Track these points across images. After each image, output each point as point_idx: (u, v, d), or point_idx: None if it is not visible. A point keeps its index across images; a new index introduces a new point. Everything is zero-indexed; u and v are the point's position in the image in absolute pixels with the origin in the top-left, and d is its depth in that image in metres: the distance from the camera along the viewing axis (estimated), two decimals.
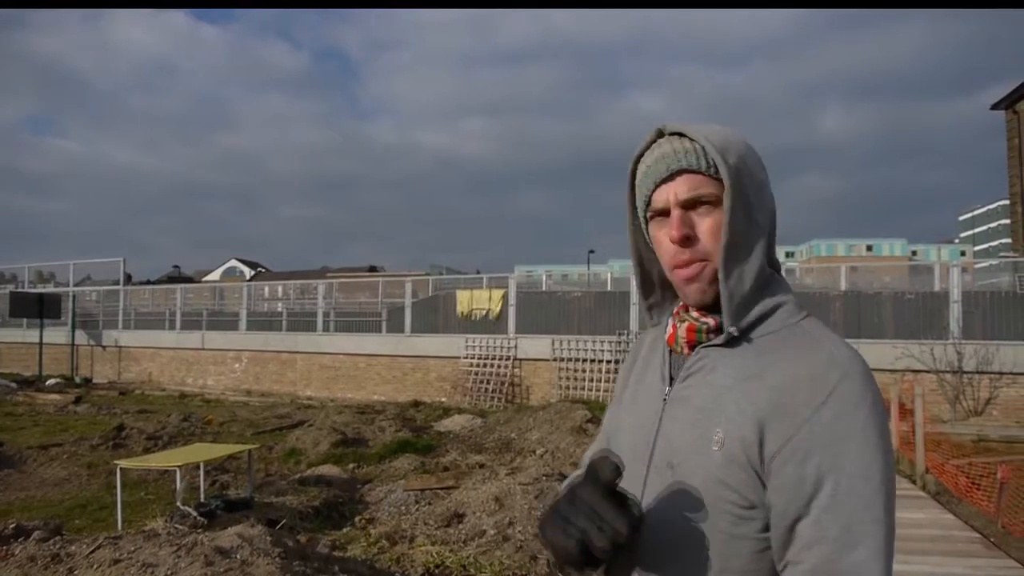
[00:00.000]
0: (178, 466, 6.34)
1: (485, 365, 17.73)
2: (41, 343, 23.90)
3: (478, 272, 24.99)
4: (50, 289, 28.44)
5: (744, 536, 0.90)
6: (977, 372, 13.85)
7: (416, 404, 16.35)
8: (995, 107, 25.31)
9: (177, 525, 5.35)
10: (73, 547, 3.56)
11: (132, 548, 3.42)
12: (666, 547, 0.95)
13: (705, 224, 0.98)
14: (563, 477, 5.92)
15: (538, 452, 8.32)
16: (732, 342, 0.98)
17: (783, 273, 1.05)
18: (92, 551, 3.42)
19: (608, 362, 16.48)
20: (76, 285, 27.68)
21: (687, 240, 0.98)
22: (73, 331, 24.88)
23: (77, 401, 16.73)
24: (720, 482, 0.90)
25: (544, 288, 21.88)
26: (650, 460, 1.00)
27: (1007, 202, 27.00)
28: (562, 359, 17.02)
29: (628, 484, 0.89)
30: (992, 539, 6.29)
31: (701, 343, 1.01)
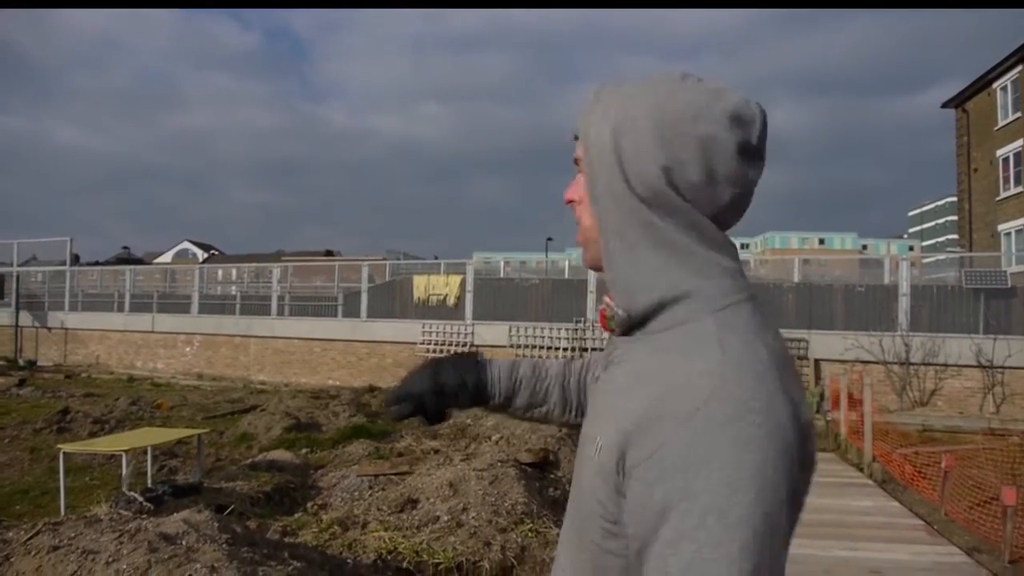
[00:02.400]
0: (124, 451, 6.19)
1: (442, 351, 17.66)
2: None
3: (436, 258, 24.87)
4: None
5: (612, 552, 0.81)
6: (923, 364, 14.24)
7: (371, 389, 16.21)
8: (945, 105, 25.93)
9: (122, 511, 5.21)
10: (11, 533, 3.44)
11: (73, 534, 3.31)
12: (564, 541, 0.92)
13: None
14: (517, 463, 5.92)
15: (494, 438, 8.30)
16: (634, 335, 0.87)
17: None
18: (30, 537, 3.31)
19: (565, 349, 16.54)
20: (21, 265, 26.83)
21: (571, 203, 0.95)
22: (17, 312, 24.14)
23: (20, 384, 16.24)
24: (592, 491, 0.82)
25: (502, 275, 21.87)
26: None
27: (955, 199, 27.73)
28: (519, 346, 17.03)
29: None
30: (935, 526, 6.46)
31: (612, 331, 0.92)
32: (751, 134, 0.84)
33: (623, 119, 0.86)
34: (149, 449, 7.03)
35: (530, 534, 4.83)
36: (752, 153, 0.85)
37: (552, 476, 6.16)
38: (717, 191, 0.84)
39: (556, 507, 5.43)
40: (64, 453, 6.29)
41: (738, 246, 0.94)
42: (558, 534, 4.11)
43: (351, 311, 19.61)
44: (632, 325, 0.87)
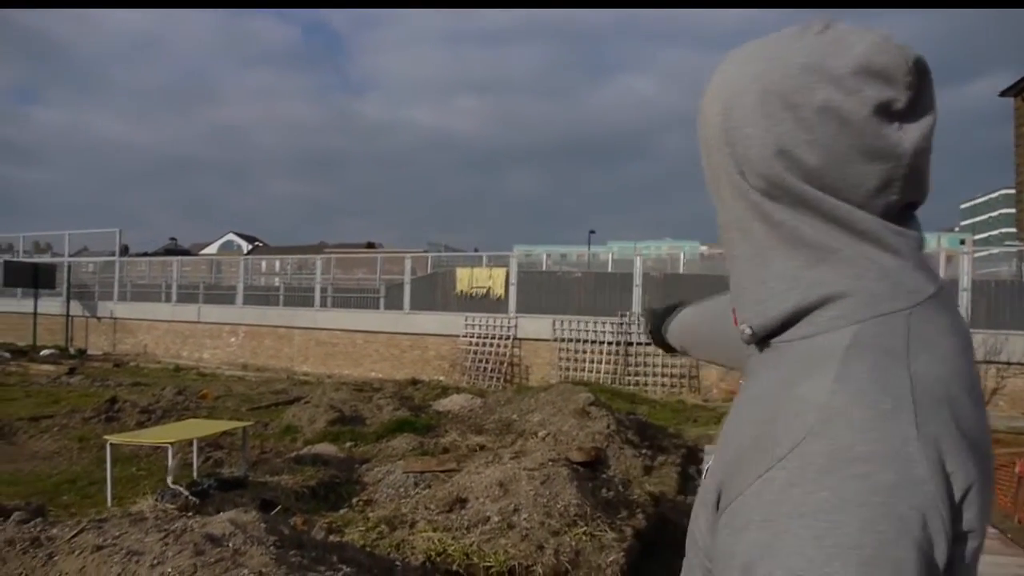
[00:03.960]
0: (170, 443, 6.13)
1: (484, 344, 17.53)
2: (36, 313, 23.67)
3: (476, 250, 24.76)
4: (46, 259, 28.13)
5: None
6: (985, 362, 13.67)
7: (414, 382, 16.15)
8: (1004, 94, 24.95)
9: (168, 505, 5.15)
10: (55, 530, 3.35)
11: (117, 533, 3.21)
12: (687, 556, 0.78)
13: None
14: (569, 462, 5.72)
15: (540, 434, 8.11)
16: (770, 343, 0.71)
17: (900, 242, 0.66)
18: (75, 535, 3.21)
19: (610, 343, 16.28)
20: (73, 256, 27.38)
21: None
22: (68, 302, 24.63)
23: (71, 372, 16.52)
24: (695, 518, 0.72)
25: (544, 268, 21.64)
26: None
27: (1009, 191, 26.73)
28: (563, 339, 16.81)
29: None
30: (1009, 535, 6.11)
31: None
32: (894, 89, 0.63)
33: (732, 93, 0.69)
34: (195, 441, 6.99)
35: (584, 538, 4.62)
36: (901, 115, 0.64)
37: (604, 476, 5.95)
38: (856, 172, 0.65)
39: (610, 509, 5.22)
40: (111, 444, 6.27)
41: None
42: (613, 538, 3.86)
43: (393, 303, 19.58)
44: (768, 336, 0.70)
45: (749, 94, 0.67)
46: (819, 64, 0.64)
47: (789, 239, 0.67)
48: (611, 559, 4.47)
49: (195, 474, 6.62)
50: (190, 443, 7.01)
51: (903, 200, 0.66)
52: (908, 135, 0.64)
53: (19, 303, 25.34)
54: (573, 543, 4.55)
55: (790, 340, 0.67)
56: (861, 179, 0.64)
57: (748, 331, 0.71)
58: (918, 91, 0.64)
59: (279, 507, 5.37)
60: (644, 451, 8.06)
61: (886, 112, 0.63)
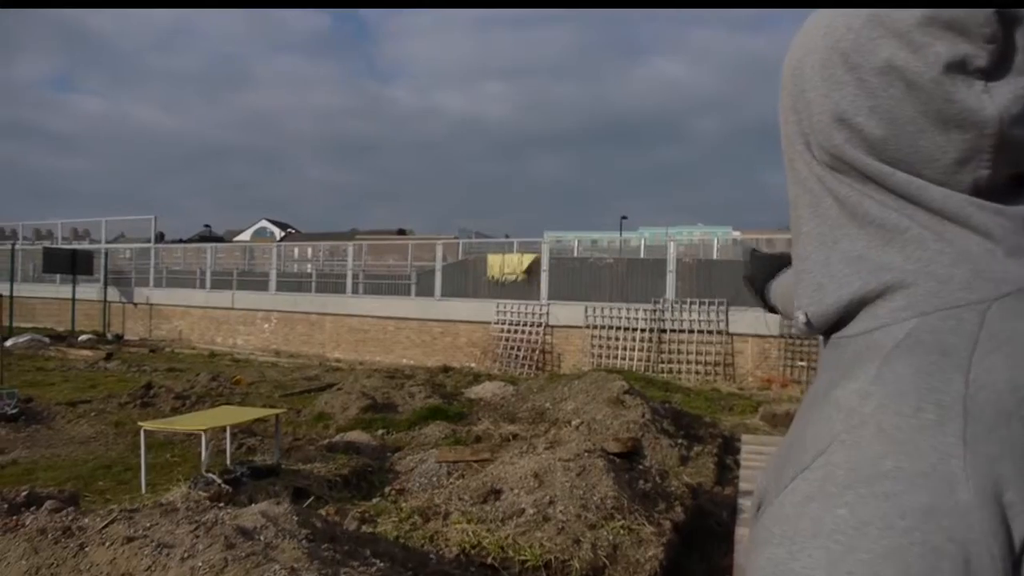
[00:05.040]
0: (203, 430, 6.12)
1: (516, 331, 17.44)
2: (74, 299, 24.07)
3: (507, 236, 24.65)
4: (84, 246, 28.56)
5: None
6: None
7: (446, 369, 16.12)
8: None
9: (201, 493, 5.12)
10: (86, 520, 3.31)
11: (148, 524, 3.15)
12: None
13: None
14: (605, 453, 5.59)
15: (574, 423, 7.99)
16: (831, 338, 0.61)
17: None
18: (106, 525, 3.17)
19: (643, 331, 16.09)
20: (110, 242, 27.78)
21: None
22: (105, 288, 25.00)
23: (108, 357, 16.75)
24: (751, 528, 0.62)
25: (575, 254, 21.46)
26: None
27: None
28: (595, 326, 16.65)
29: None
30: None
31: None
32: (970, 43, 0.50)
33: (804, 51, 0.60)
34: (228, 428, 6.99)
35: (622, 531, 4.50)
36: (983, 73, 0.51)
37: (640, 467, 5.82)
38: (929, 143, 0.53)
39: (647, 502, 5.10)
40: (145, 431, 6.28)
41: None
42: (652, 532, 3.71)
43: (424, 290, 19.55)
44: (829, 328, 0.60)
45: (817, 52, 0.58)
46: (884, 15, 0.53)
47: (855, 217, 0.57)
48: (650, 554, 4.35)
49: (228, 461, 6.61)
50: (223, 430, 7.01)
51: (999, 175, 0.53)
52: (994, 99, 0.51)
53: (57, 289, 25.78)
54: (611, 537, 4.43)
55: (850, 336, 0.57)
56: (936, 151, 0.53)
57: (803, 319, 0.61)
58: (1005, 45, 0.51)
59: (312, 497, 5.32)
60: (680, 441, 7.91)
61: (961, 71, 0.51)
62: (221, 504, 3.87)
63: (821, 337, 0.66)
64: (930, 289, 0.53)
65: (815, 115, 0.58)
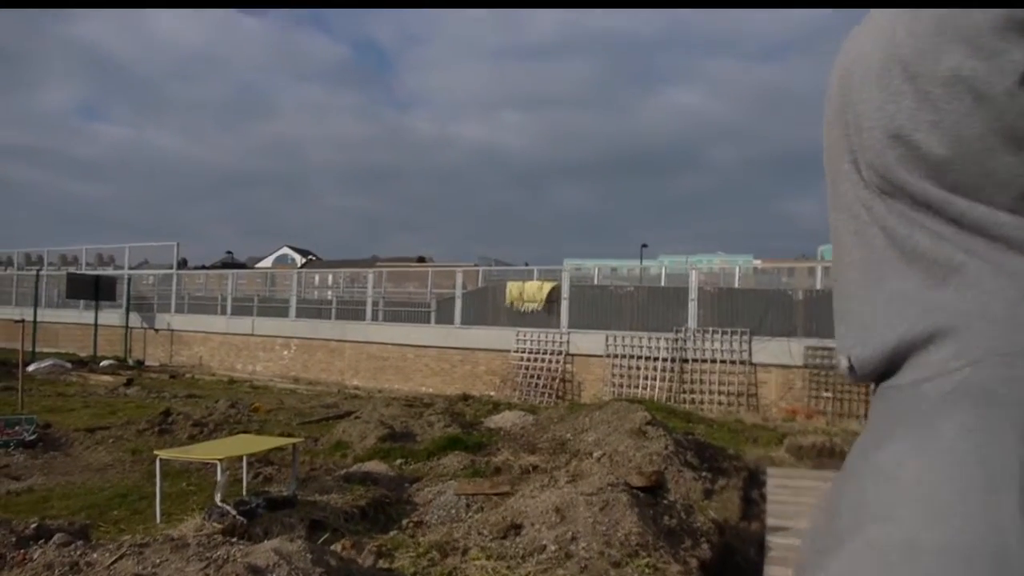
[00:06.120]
0: (219, 459, 6.03)
1: (536, 359, 17.29)
2: (96, 324, 24.27)
3: (527, 264, 24.58)
4: (108, 272, 28.85)
5: None
6: None
7: (465, 398, 15.97)
8: None
9: (215, 524, 5.02)
10: (95, 555, 3.22)
11: (158, 560, 3.05)
12: None
13: None
14: (628, 487, 5.44)
15: (595, 455, 7.83)
16: (880, 386, 0.53)
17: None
18: (114, 561, 3.07)
19: (664, 360, 15.88)
20: (133, 268, 28.04)
21: None
22: (127, 313, 25.19)
23: (128, 383, 16.78)
24: None
25: (595, 282, 21.33)
26: None
27: None
28: (616, 355, 16.47)
29: None
30: None
31: None
32: None
33: (856, 56, 0.52)
34: (244, 457, 6.90)
35: (647, 569, 4.34)
36: None
37: (665, 501, 5.65)
38: (999, 165, 0.45)
39: (673, 538, 4.93)
40: (160, 460, 6.20)
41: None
42: (679, 571, 3.54)
43: (444, 317, 19.48)
44: (877, 376, 0.52)
45: (872, 58, 0.50)
46: (951, 18, 0.45)
47: (905, 252, 0.50)
48: None
49: (244, 490, 6.51)
50: (240, 459, 6.92)
51: None
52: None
53: (80, 314, 26.02)
54: None
55: (898, 386, 0.49)
56: (1006, 174, 0.45)
57: (846, 363, 0.53)
58: None
59: (328, 531, 5.20)
60: (704, 474, 7.71)
61: None
62: (234, 539, 3.77)
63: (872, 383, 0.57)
64: (985, 332, 0.45)
65: (866, 130, 0.51)
